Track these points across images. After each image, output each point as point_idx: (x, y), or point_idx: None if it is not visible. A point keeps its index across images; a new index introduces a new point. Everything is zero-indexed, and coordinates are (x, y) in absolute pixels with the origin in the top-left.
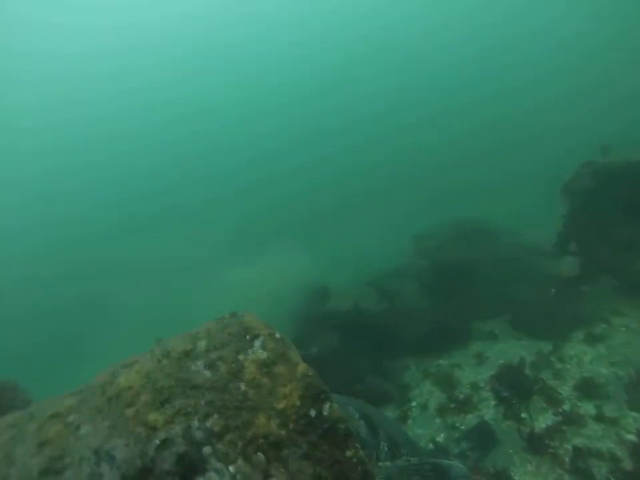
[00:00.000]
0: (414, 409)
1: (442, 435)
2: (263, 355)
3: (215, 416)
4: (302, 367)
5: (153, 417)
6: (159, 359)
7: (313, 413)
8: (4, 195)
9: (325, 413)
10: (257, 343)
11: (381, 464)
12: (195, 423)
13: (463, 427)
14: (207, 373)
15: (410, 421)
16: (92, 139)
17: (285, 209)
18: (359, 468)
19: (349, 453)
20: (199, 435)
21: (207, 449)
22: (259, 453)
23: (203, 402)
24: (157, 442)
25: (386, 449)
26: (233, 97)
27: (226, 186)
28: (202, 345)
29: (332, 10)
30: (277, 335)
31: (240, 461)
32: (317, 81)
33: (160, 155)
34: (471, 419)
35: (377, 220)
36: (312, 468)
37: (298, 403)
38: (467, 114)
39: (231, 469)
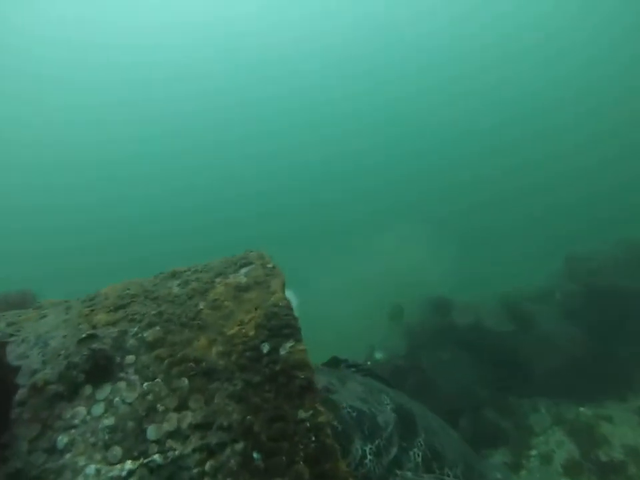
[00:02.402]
0: (532, 459)
1: None
2: (242, 279)
3: (157, 327)
4: (277, 296)
5: (100, 317)
6: (150, 278)
7: (265, 348)
8: None
9: (283, 352)
10: (244, 270)
11: (399, 472)
12: (134, 330)
13: None
14: (176, 289)
15: (524, 472)
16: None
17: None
18: (312, 438)
19: (302, 414)
20: (131, 342)
21: (130, 358)
22: (183, 378)
23: (153, 312)
24: (83, 336)
25: (418, 459)
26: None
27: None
28: (193, 268)
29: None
30: (269, 265)
31: (158, 380)
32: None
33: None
34: None
35: (527, 236)
36: (241, 414)
37: (252, 333)
38: None
39: (145, 385)
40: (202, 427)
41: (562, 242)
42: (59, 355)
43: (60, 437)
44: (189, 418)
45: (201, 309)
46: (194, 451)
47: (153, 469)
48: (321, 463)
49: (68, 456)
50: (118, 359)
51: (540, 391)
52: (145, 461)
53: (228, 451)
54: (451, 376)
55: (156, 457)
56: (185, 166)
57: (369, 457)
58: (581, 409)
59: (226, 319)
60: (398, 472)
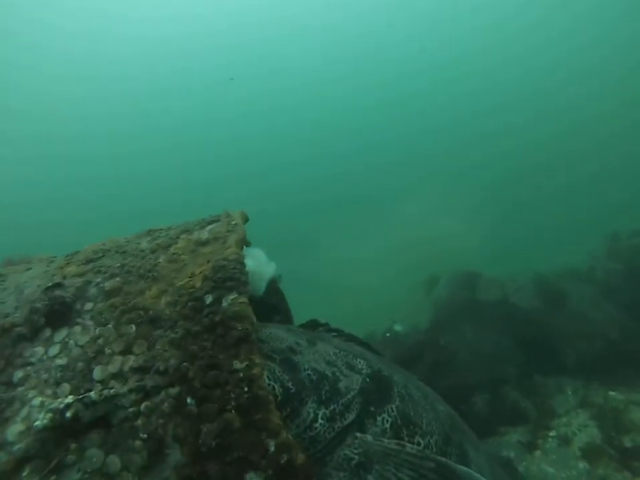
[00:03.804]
0: (550, 440)
1: None
2: (203, 235)
3: (117, 278)
4: (229, 250)
5: (71, 268)
6: (129, 236)
7: (208, 299)
8: None
9: (225, 304)
10: (209, 227)
11: (359, 435)
12: (97, 280)
13: None
14: (144, 244)
15: (538, 452)
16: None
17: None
18: (245, 388)
19: (237, 364)
20: (92, 291)
21: (88, 305)
22: (131, 324)
23: (117, 265)
24: (49, 284)
25: (386, 425)
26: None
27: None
28: (167, 227)
29: None
30: (233, 222)
31: (109, 326)
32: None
33: None
34: None
35: (569, 208)
36: (178, 360)
37: (198, 284)
38: None
39: (97, 330)
40: (140, 370)
41: (605, 217)
42: (29, 301)
43: (16, 372)
44: (130, 361)
45: (159, 262)
46: (130, 391)
47: (87, 404)
48: (252, 414)
49: (20, 389)
50: (78, 306)
51: (568, 371)
52: (81, 396)
53: (163, 394)
54: (474, 352)
55: (92, 393)
56: (217, 138)
57: (320, 420)
58: (611, 392)
59: (179, 271)
60: (358, 435)
